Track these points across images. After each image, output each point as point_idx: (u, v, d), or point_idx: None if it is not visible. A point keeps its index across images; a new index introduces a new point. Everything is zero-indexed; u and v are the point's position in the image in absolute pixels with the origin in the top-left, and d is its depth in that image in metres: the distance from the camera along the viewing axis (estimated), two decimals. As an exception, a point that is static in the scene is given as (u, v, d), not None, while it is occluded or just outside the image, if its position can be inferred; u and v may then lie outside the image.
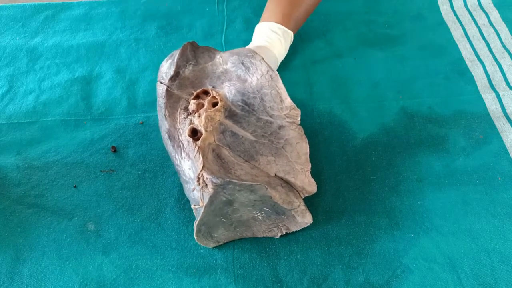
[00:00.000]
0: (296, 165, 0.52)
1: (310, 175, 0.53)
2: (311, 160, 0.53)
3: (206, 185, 0.48)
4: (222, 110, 0.53)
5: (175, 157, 0.54)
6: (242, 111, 0.53)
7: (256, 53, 0.54)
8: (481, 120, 0.66)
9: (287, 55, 0.71)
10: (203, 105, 0.53)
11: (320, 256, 0.54)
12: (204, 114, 0.52)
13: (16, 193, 0.60)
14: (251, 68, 0.54)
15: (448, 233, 0.56)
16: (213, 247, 0.55)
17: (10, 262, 0.54)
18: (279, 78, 0.53)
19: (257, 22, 0.70)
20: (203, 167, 0.48)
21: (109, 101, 0.70)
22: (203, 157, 0.49)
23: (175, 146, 0.53)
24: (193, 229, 0.53)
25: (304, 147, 0.52)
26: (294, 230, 0.54)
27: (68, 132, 0.66)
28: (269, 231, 0.55)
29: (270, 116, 0.53)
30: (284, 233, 0.54)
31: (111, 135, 0.66)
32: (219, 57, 0.57)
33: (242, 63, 0.54)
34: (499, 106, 0.68)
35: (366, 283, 0.52)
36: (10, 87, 0.72)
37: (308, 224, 0.54)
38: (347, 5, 0.84)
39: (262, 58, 0.53)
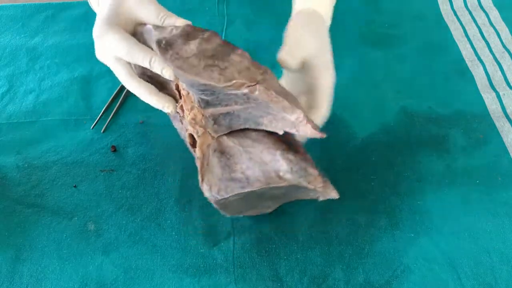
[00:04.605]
0: (290, 116, 0.44)
1: (307, 121, 0.44)
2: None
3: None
4: (196, 105, 0.49)
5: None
6: (209, 96, 0.47)
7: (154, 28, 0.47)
8: (481, 120, 0.66)
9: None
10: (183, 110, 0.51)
11: (320, 256, 0.54)
12: (188, 117, 0.49)
13: (16, 193, 0.60)
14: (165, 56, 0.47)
15: (448, 233, 0.56)
16: (214, 245, 0.55)
17: (10, 262, 0.54)
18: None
19: (257, 22, 0.69)
20: (202, 181, 0.48)
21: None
22: (201, 171, 0.48)
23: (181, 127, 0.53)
24: (193, 229, 0.53)
25: (280, 101, 0.44)
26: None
27: (68, 132, 0.66)
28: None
29: (223, 89, 0.45)
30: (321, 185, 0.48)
31: (111, 134, 0.66)
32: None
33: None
34: (499, 106, 0.68)
35: (366, 283, 0.52)
36: (10, 86, 0.72)
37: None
38: (347, 5, 0.84)
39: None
